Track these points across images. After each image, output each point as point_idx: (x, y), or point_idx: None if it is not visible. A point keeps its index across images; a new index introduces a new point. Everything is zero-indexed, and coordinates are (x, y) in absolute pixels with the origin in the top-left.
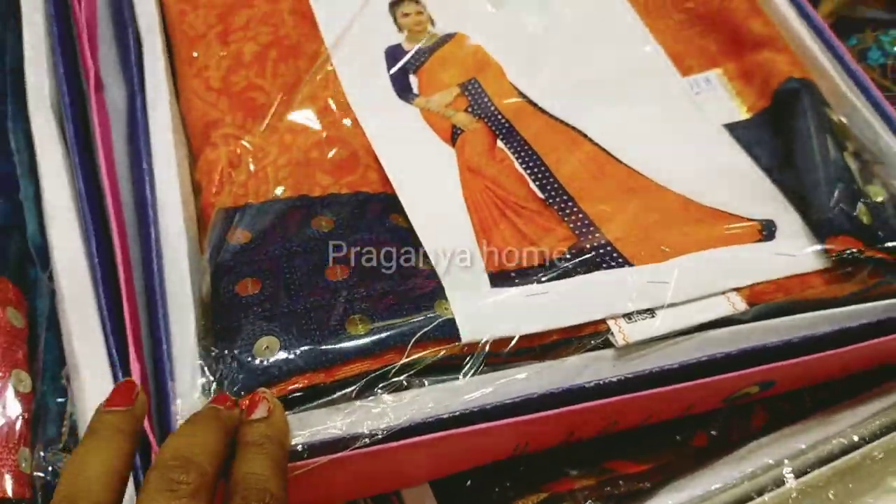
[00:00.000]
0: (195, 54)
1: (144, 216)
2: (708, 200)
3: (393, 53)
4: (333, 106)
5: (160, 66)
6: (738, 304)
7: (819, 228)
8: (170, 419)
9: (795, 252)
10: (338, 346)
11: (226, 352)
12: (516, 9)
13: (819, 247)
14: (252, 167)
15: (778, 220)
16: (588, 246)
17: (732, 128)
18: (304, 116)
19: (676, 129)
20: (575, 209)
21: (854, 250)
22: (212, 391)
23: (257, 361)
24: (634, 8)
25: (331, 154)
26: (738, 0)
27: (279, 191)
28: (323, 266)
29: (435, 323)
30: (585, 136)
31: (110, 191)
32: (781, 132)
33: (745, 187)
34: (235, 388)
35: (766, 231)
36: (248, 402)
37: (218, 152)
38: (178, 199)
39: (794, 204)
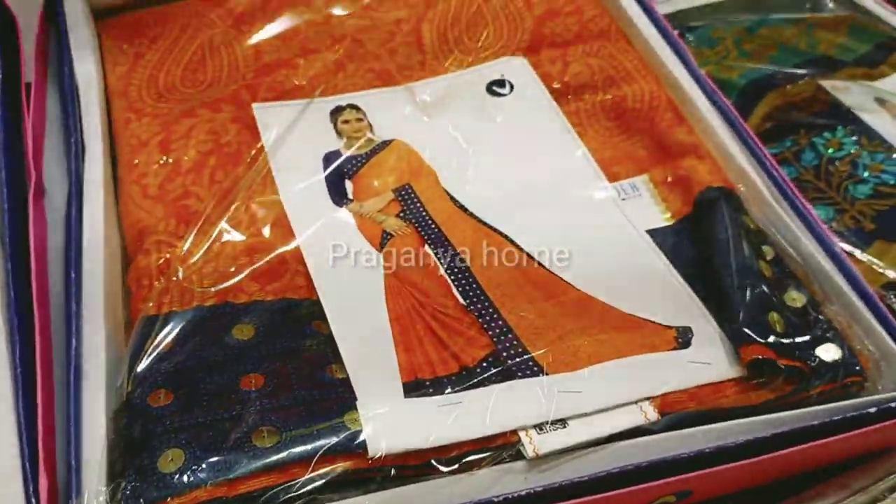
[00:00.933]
0: (136, 161)
1: (68, 325)
2: (627, 307)
3: (330, 158)
4: (264, 212)
5: (97, 170)
6: (651, 414)
7: (733, 337)
8: None
9: (709, 360)
10: (243, 459)
11: (130, 464)
12: (450, 116)
13: (733, 355)
14: (180, 274)
15: (695, 328)
16: (505, 354)
17: (655, 234)
18: (235, 223)
19: (600, 234)
20: (495, 315)
21: (766, 359)
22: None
23: (160, 474)
24: (566, 115)
25: (258, 262)
26: (664, 109)
27: (204, 299)
28: (238, 375)
29: (343, 435)
30: (511, 241)
31: (37, 297)
32: (700, 239)
33: (665, 294)
34: (138, 502)
35: (682, 338)
36: None
37: (149, 259)
38: (100, 309)
39: (710, 311)
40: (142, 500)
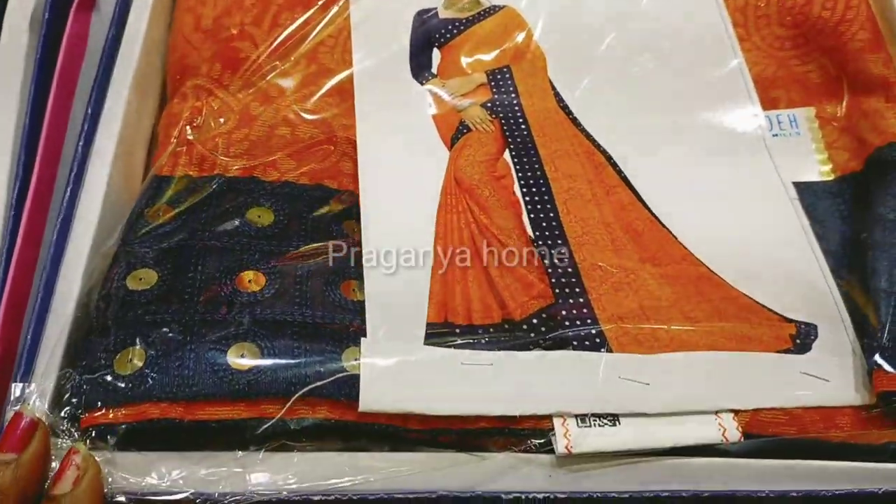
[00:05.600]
0: None
1: (73, 165)
2: (740, 282)
3: (423, 18)
4: (326, 75)
5: None
6: (731, 432)
7: (869, 354)
8: None
9: (828, 376)
10: (210, 378)
11: (86, 353)
12: None
13: (862, 376)
14: (208, 132)
15: (821, 328)
16: (564, 314)
17: (805, 190)
18: (288, 82)
19: (733, 179)
20: (565, 260)
21: None
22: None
23: (113, 374)
24: (728, 9)
25: (302, 134)
26: (860, 25)
27: (227, 168)
28: (238, 269)
29: (335, 377)
30: (617, 168)
31: (48, 124)
32: (863, 211)
33: (796, 275)
34: (78, 404)
35: (801, 339)
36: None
37: (183, 106)
38: (110, 150)
39: (849, 311)
40: (83, 402)
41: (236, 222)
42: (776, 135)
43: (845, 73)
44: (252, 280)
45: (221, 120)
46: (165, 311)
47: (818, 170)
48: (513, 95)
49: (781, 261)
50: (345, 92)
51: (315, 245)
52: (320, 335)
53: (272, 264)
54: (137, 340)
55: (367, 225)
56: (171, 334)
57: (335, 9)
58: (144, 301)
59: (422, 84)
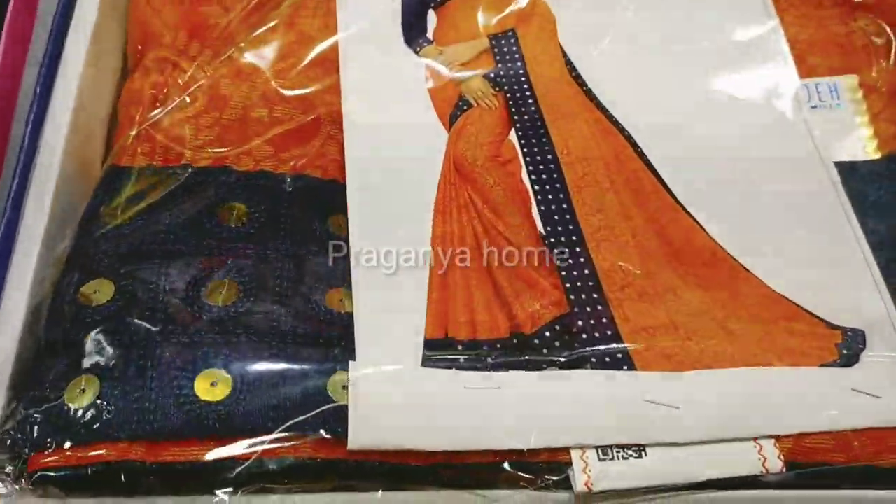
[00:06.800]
0: None
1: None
2: (779, 283)
3: None
4: (308, 43)
5: None
6: (772, 461)
7: None
8: None
9: (880, 392)
10: (174, 410)
11: (35, 383)
12: None
13: None
14: (173, 114)
15: (871, 334)
16: (581, 324)
17: (850, 171)
18: (264, 53)
19: (767, 160)
20: (582, 260)
21: None
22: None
23: (63, 408)
24: None
25: (281, 114)
26: None
27: (196, 156)
28: (206, 279)
29: (319, 409)
30: (639, 151)
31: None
32: None
33: (840, 272)
34: (24, 443)
35: (849, 349)
36: None
37: (144, 82)
38: (61, 136)
39: None
40: (30, 441)
41: (205, 222)
42: (815, 107)
43: (894, 33)
44: (223, 291)
45: (188, 99)
46: (124, 331)
47: (863, 147)
48: (518, 64)
49: (823, 255)
50: (328, 63)
51: (296, 247)
52: (302, 358)
53: (246, 273)
54: (91, 366)
55: (354, 221)
56: (130, 359)
57: None
58: (99, 318)
59: (416, 52)
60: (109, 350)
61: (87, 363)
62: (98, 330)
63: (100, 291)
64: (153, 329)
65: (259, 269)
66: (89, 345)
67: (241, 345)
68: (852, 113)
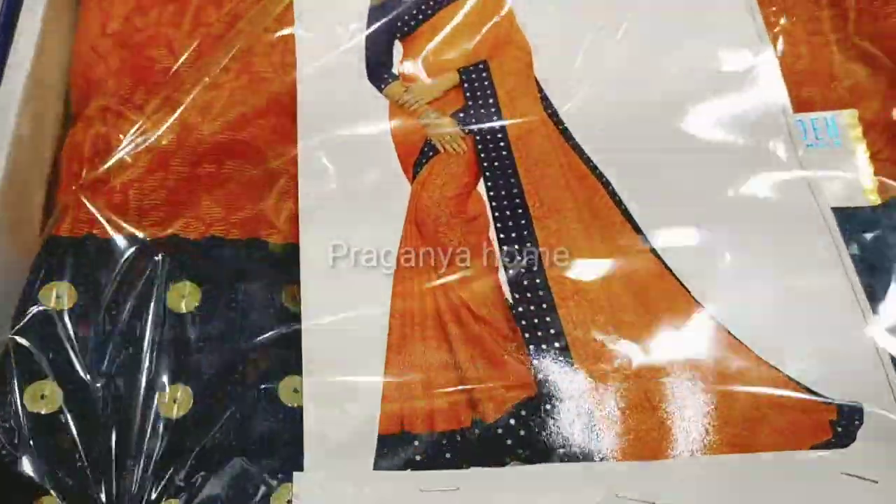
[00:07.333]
0: None
1: None
2: (767, 350)
3: (383, 3)
4: (259, 85)
5: None
6: None
7: None
8: None
9: (877, 475)
10: None
11: None
12: None
13: None
14: (116, 176)
15: (868, 409)
16: (548, 408)
17: (847, 218)
18: (213, 101)
19: (759, 206)
20: (552, 333)
21: None
22: None
23: None
24: None
25: (231, 169)
26: None
27: (141, 222)
28: (155, 387)
29: None
30: (616, 199)
31: None
32: None
33: (834, 337)
34: None
35: (843, 426)
36: None
37: (86, 133)
38: None
39: None
40: None
41: (154, 312)
42: (810, 145)
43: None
44: (176, 402)
45: (130, 160)
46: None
47: (862, 191)
48: (491, 101)
49: (818, 318)
50: (283, 108)
51: (252, 337)
52: (248, 474)
53: (202, 373)
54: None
55: (307, 298)
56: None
57: None
58: (54, 427)
59: (381, 89)
60: (64, 471)
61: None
62: (52, 444)
63: (48, 397)
64: (86, 468)
65: (214, 373)
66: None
67: (192, 469)
68: (851, 152)
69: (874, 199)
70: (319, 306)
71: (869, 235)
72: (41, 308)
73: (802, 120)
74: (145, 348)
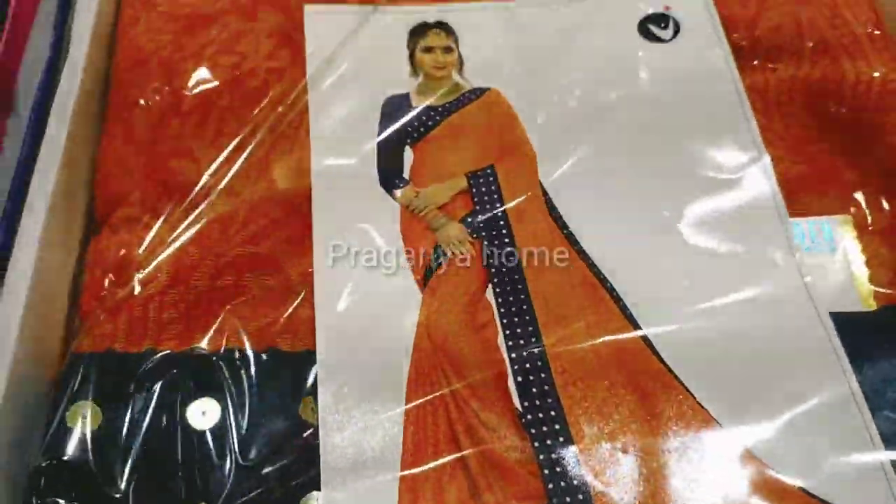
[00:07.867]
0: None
1: None
2: (766, 453)
3: (393, 107)
4: (278, 191)
5: (70, 92)
6: None
7: None
8: None
9: None
10: None
11: None
12: (577, 62)
13: None
14: (136, 287)
15: None
16: None
17: (845, 324)
18: (233, 211)
19: (758, 313)
20: (561, 441)
21: None
22: None
23: None
24: (747, 90)
25: (249, 281)
26: None
27: (159, 336)
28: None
29: None
30: (618, 301)
31: None
32: None
33: (836, 448)
34: None
35: None
36: None
37: (111, 241)
38: (20, 304)
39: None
40: None
41: (174, 430)
42: (808, 249)
43: (886, 169)
44: None
45: (151, 271)
46: None
47: (858, 295)
48: (498, 205)
49: (820, 428)
50: (297, 213)
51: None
52: None
53: (224, 493)
54: None
55: (324, 417)
56: None
57: (290, 100)
58: None
59: (392, 195)
60: None
61: None
62: None
63: None
64: None
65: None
66: None
67: None
68: (846, 257)
69: (870, 304)
70: (334, 419)
71: (864, 342)
72: (68, 428)
73: (799, 224)
74: (169, 471)
